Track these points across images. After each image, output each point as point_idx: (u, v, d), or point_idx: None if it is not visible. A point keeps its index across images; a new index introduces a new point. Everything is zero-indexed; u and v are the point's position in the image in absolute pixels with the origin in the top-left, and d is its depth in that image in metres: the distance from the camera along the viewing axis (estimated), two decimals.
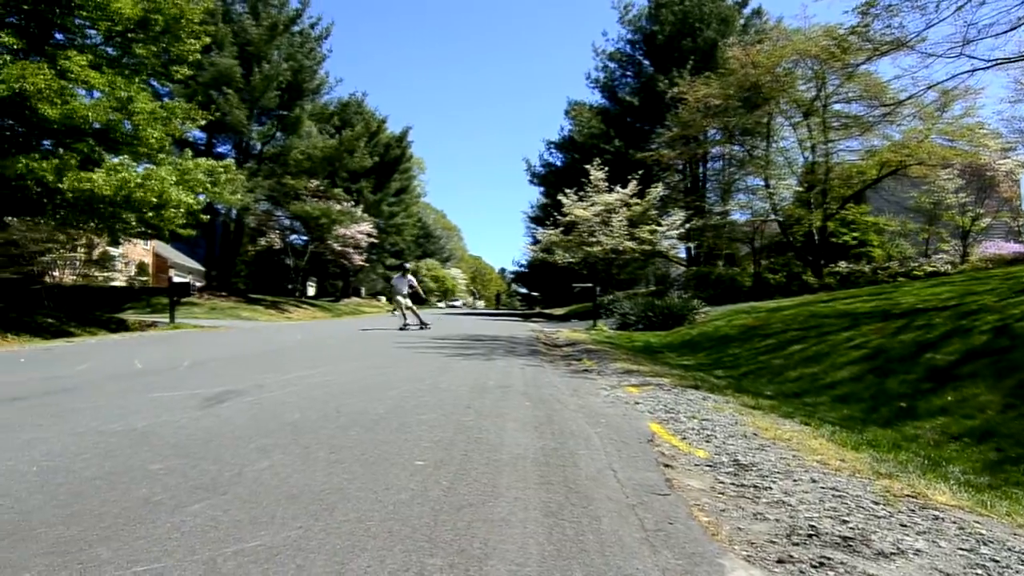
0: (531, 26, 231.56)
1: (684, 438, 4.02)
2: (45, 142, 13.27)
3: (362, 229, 40.07)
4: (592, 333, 16.48)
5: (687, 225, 26.82)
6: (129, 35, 13.71)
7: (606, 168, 27.34)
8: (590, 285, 22.90)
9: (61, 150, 12.67)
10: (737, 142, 27.61)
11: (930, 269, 18.65)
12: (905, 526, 2.49)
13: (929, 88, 11.89)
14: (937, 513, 2.68)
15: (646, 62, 35.61)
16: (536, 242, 33.59)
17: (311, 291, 52.83)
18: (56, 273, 21.97)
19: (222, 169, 15.73)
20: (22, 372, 6.78)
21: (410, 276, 17.35)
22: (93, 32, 13.83)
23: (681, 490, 2.87)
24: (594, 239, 25.90)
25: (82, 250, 23.91)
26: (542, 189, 47.73)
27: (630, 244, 25.65)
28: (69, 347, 10.33)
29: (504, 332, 16.62)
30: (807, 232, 23.69)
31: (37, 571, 1.82)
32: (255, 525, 2.22)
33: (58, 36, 13.64)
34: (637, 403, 5.26)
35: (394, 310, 21.43)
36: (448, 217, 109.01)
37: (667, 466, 3.29)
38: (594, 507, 2.54)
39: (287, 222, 38.45)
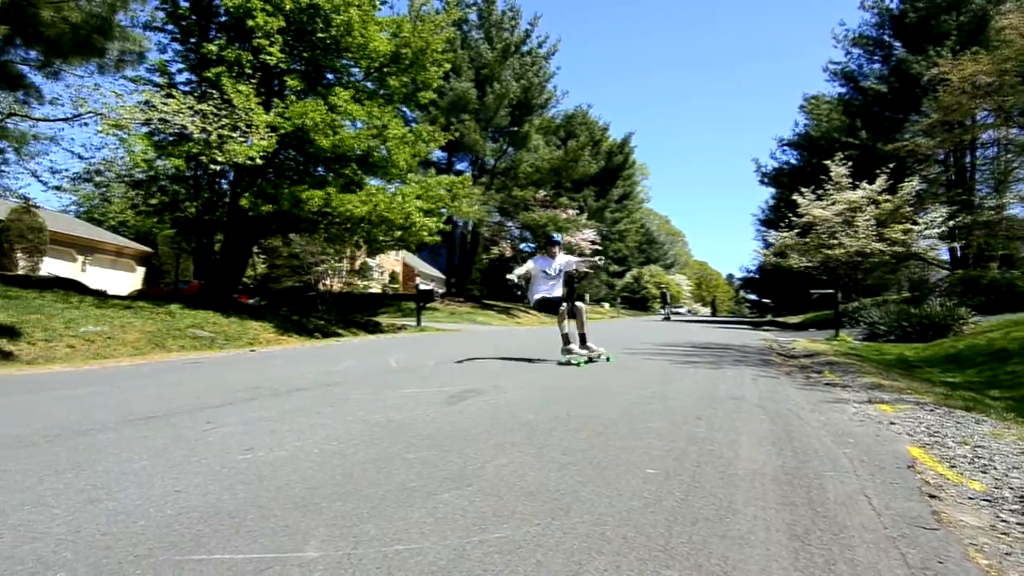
0: (757, 21, 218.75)
1: (953, 466, 3.50)
2: (319, 169, 15.47)
3: (586, 236, 40.82)
4: (834, 344, 15.02)
5: (950, 223, 23.38)
6: (384, 69, 15.52)
7: (848, 163, 24.83)
8: (831, 291, 20.84)
9: (330, 175, 14.72)
10: (1016, 124, 23.41)
11: None
12: None
13: None
14: None
15: (896, 43, 31.78)
16: (768, 245, 31.61)
17: None
18: (327, 281, 25.45)
19: (460, 184, 17.14)
20: (303, 367, 7.95)
21: (564, 255, 9.36)
22: (355, 70, 15.88)
23: (952, 526, 2.50)
24: (835, 241, 23.61)
25: (346, 261, 27.41)
26: (774, 190, 44.94)
27: (878, 246, 22.95)
28: (337, 346, 11.88)
29: (733, 340, 15.82)
30: None
31: (320, 539, 2.12)
32: (497, 518, 2.37)
33: (329, 76, 15.84)
34: (891, 423, 4.70)
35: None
36: (672, 222, 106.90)
37: (933, 496, 2.89)
38: (846, 535, 2.32)
39: (517, 232, 40.49)
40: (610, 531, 2.26)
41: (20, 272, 21.10)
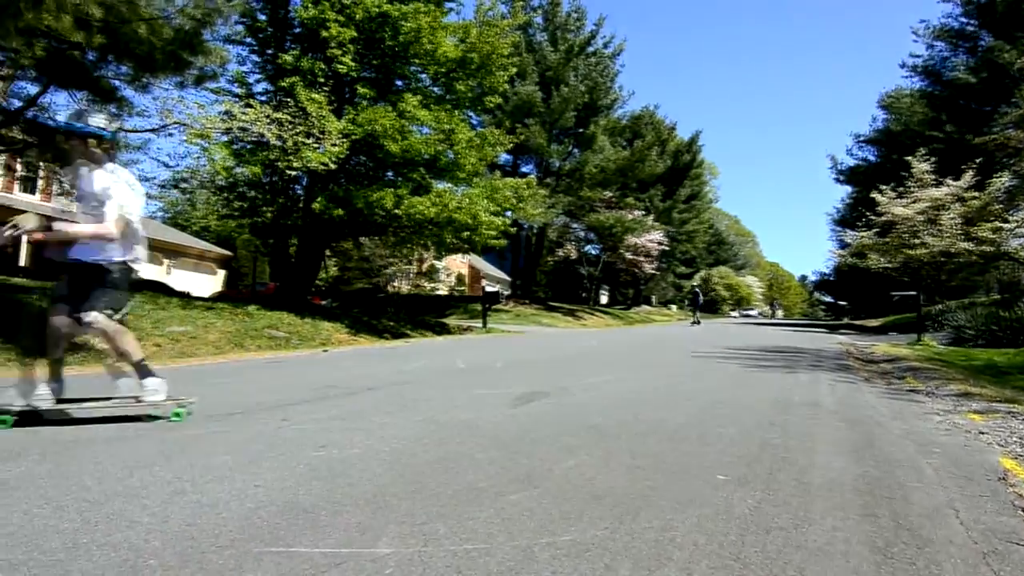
0: (829, 15, 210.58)
1: None
2: (388, 174, 15.82)
3: (652, 238, 40.28)
4: (916, 348, 14.28)
5: None
6: (451, 74, 15.74)
7: (931, 159, 23.54)
8: (912, 293, 19.80)
9: (399, 180, 15.04)
10: None
11: None
12: None
13: None
14: None
15: (984, 33, 30.07)
16: (844, 246, 30.38)
17: (603, 299, 54.57)
18: (396, 283, 25.99)
19: (525, 186, 17.22)
20: (374, 367, 8.14)
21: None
22: (423, 76, 16.16)
23: None
24: (917, 241, 22.37)
25: (414, 264, 27.92)
26: (850, 188, 43.36)
27: (964, 245, 21.61)
28: (406, 347, 12.12)
29: (808, 344, 15.28)
30: None
31: (391, 536, 2.17)
32: (565, 520, 2.36)
33: (398, 83, 16.18)
34: (981, 433, 4.43)
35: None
36: (742, 223, 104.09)
37: None
38: (932, 550, 2.20)
39: (582, 233, 40.33)
40: (680, 537, 2.22)
41: None
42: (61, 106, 12.21)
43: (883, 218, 23.83)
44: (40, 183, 22.74)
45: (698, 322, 30.33)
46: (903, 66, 34.93)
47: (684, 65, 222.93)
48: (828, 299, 77.40)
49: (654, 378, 7.17)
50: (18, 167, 19.43)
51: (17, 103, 11.89)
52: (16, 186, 22.31)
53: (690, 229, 50.04)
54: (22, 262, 21.49)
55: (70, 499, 2.45)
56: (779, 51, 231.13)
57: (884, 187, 24.24)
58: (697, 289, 33.56)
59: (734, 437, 3.99)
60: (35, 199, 23.35)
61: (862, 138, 41.23)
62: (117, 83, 11.08)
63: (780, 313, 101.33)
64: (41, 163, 16.63)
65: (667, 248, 43.76)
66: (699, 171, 52.24)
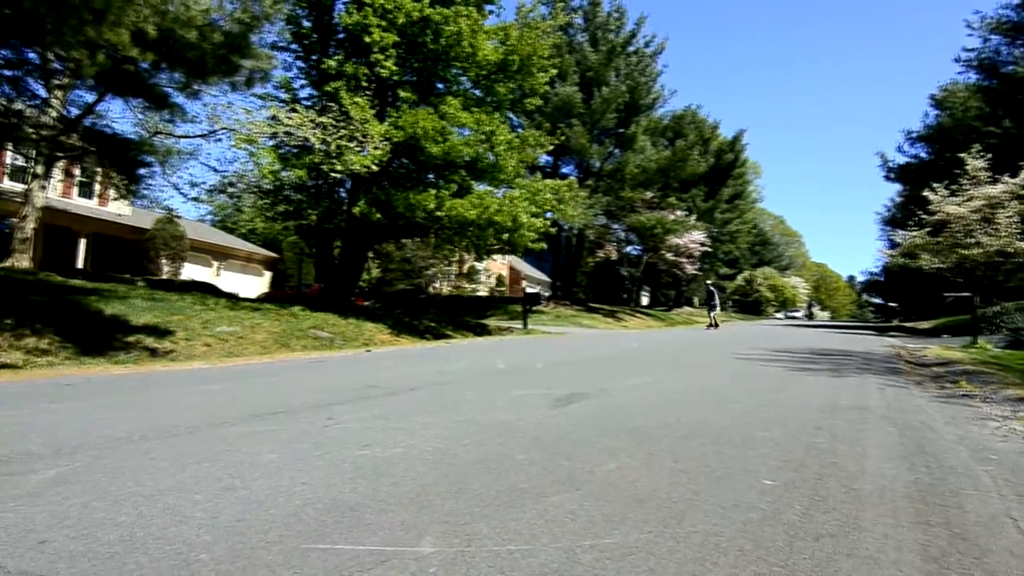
0: (877, 10, 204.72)
1: None
2: (429, 176, 15.97)
3: (694, 238, 39.74)
4: (971, 351, 13.75)
5: None
6: (491, 77, 15.82)
7: (987, 156, 22.69)
8: (967, 294, 19.09)
9: (440, 182, 15.17)
10: None
11: None
12: None
13: None
14: None
15: None
16: (894, 246, 29.43)
17: (644, 300, 54.08)
18: (436, 284, 26.21)
19: (566, 188, 17.20)
20: (415, 367, 8.22)
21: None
22: (464, 79, 16.27)
23: None
24: (972, 240, 21.61)
25: (455, 265, 28.12)
26: (901, 187, 42.09)
27: (1022, 244, 20.81)
28: (446, 347, 12.20)
29: (855, 346, 14.87)
30: None
31: (435, 536, 2.18)
32: (608, 523, 2.35)
33: (439, 86, 16.32)
34: None
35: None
36: (788, 222, 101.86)
37: None
38: (990, 560, 2.12)
39: (622, 234, 39.99)
40: (726, 543, 2.18)
41: (164, 276, 23.17)
42: (117, 114, 12.71)
43: (935, 217, 23.12)
44: (97, 188, 23.65)
45: (715, 325, 25.97)
46: (957, 60, 33.78)
47: (727, 62, 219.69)
48: (877, 300, 75.53)
49: (696, 380, 7.07)
50: (76, 173, 20.25)
51: (75, 111, 12.41)
52: (74, 191, 23.23)
53: (733, 229, 49.18)
54: (79, 264, 22.36)
55: (126, 494, 2.53)
56: (826, 47, 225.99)
57: (937, 185, 23.50)
58: (712, 287, 27.53)
59: (779, 441, 3.91)
60: (92, 203, 24.28)
61: (913, 135, 40.11)
62: (169, 90, 11.47)
63: (826, 314, 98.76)
64: (98, 169, 17.30)
65: (709, 249, 43.10)
66: (742, 170, 51.30)
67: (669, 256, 39.86)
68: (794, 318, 71.94)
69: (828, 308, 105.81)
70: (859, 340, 18.88)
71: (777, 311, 74.09)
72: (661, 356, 10.69)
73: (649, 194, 34.06)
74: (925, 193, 23.93)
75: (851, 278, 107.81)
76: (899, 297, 57.23)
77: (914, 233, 24.69)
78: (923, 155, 39.14)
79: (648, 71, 32.94)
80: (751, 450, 3.65)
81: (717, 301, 27.14)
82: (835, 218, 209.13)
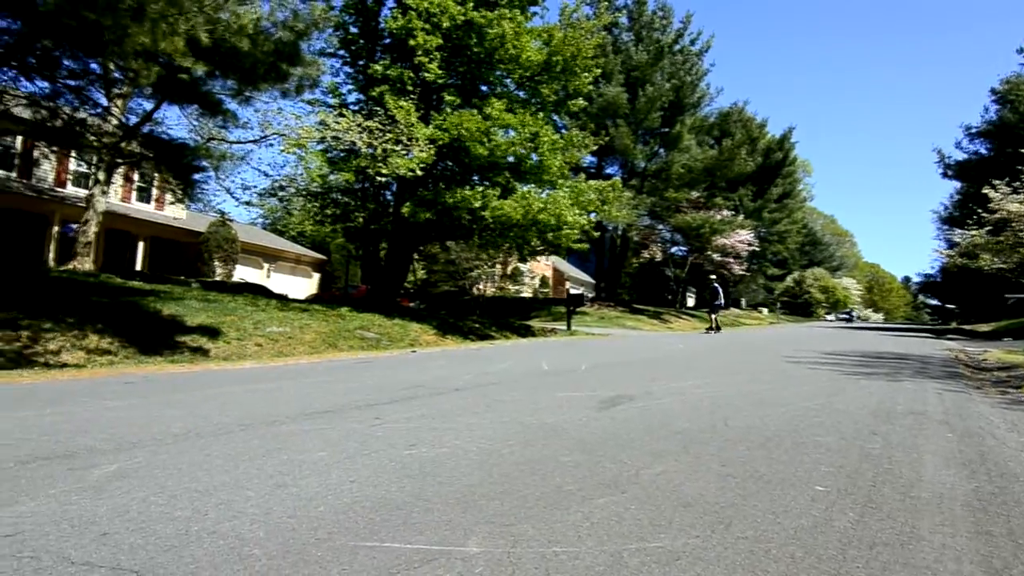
0: (935, 5, 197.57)
1: None
2: (474, 178, 16.07)
3: (742, 238, 39.00)
4: None
5: None
6: (535, 78, 15.84)
7: None
8: None
9: (485, 183, 15.24)
10: None
11: None
12: None
13: None
14: None
15: None
16: (952, 245, 28.44)
17: (690, 302, 53.28)
18: (480, 286, 26.34)
19: (610, 188, 17.09)
20: (460, 368, 8.27)
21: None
22: (508, 81, 16.32)
23: None
24: None
25: (498, 266, 28.21)
26: (959, 184, 40.56)
27: None
28: (491, 348, 12.24)
29: (912, 350, 14.37)
30: None
31: (480, 536, 2.19)
32: (654, 527, 2.32)
33: (483, 88, 16.40)
34: None
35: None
36: (839, 222, 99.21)
37: None
38: None
39: (668, 235, 39.53)
40: (775, 549, 2.13)
41: (217, 278, 23.87)
42: (173, 121, 13.20)
43: (996, 215, 22.25)
44: (154, 192, 24.53)
45: (716, 328, 22.46)
46: (1020, 51, 32.46)
47: (775, 59, 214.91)
48: (934, 302, 72.92)
49: (744, 382, 6.93)
50: (135, 178, 21.05)
51: (134, 119, 12.89)
52: (133, 196, 24.13)
53: (781, 229, 48.12)
54: (138, 266, 23.21)
55: (182, 489, 2.61)
56: (878, 42, 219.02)
57: (998, 182, 22.58)
58: (716, 284, 22.97)
59: (831, 446, 3.80)
60: (150, 208, 25.18)
61: (973, 130, 38.65)
62: (222, 97, 11.83)
63: (879, 316, 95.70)
64: (155, 174, 17.95)
65: (757, 249, 42.24)
66: (792, 169, 50.20)
67: (716, 257, 39.19)
68: (846, 319, 70.08)
69: (881, 310, 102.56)
70: (915, 343, 18.25)
71: (828, 313, 72.24)
72: (708, 358, 10.51)
73: (695, 194, 33.60)
74: (985, 190, 23.06)
75: (906, 279, 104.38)
76: (957, 299, 55.17)
77: (974, 232, 23.82)
78: (983, 151, 37.78)
79: (694, 70, 32.47)
80: (802, 455, 3.56)
81: (721, 300, 22.91)
82: (888, 217, 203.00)
